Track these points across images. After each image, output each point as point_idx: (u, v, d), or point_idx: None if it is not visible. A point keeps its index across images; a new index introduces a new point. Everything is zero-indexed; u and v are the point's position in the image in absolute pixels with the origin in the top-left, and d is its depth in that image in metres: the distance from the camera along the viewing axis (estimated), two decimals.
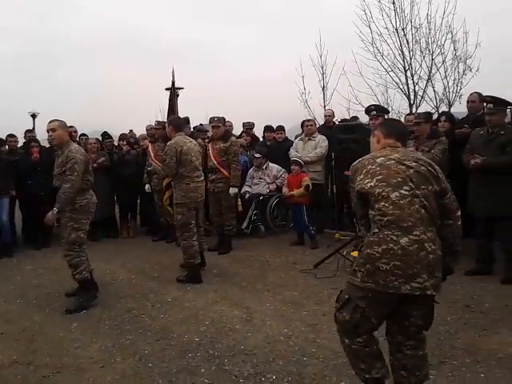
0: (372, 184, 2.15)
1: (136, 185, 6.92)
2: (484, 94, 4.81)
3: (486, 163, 4.24)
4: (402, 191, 2.09)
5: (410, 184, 2.10)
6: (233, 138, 6.09)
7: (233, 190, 5.81)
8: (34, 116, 17.54)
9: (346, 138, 5.01)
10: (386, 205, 2.08)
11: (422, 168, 2.16)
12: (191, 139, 5.06)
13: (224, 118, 6.11)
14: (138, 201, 7.44)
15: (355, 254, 4.57)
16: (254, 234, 6.60)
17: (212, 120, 5.94)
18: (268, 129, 7.42)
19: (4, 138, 6.64)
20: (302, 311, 3.78)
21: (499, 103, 4.29)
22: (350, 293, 2.21)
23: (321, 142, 6.51)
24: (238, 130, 8.07)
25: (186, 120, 6.27)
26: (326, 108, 9.83)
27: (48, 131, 4.16)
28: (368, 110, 5.94)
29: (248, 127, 8.00)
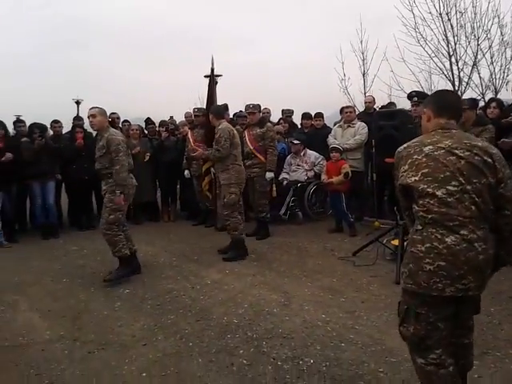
0: (416, 178, 1.95)
1: (176, 170, 7.07)
2: None
3: None
4: (450, 187, 1.89)
5: (460, 179, 1.88)
6: (269, 124, 6.12)
7: (269, 175, 5.85)
8: (78, 103, 18.08)
9: (386, 125, 4.91)
10: (432, 202, 1.90)
11: (476, 158, 1.91)
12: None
13: (259, 105, 6.15)
14: (178, 186, 7.61)
15: (395, 242, 4.53)
16: (291, 221, 6.61)
17: (247, 107, 6.00)
18: (305, 116, 7.36)
19: (49, 124, 6.90)
20: (340, 298, 3.78)
21: None
22: (407, 301, 2.03)
23: (360, 129, 6.42)
24: (276, 116, 8.04)
25: (225, 107, 6.33)
26: (367, 94, 9.63)
27: (89, 117, 4.40)
28: (410, 96, 5.79)
29: (287, 114, 7.96)
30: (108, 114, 7.41)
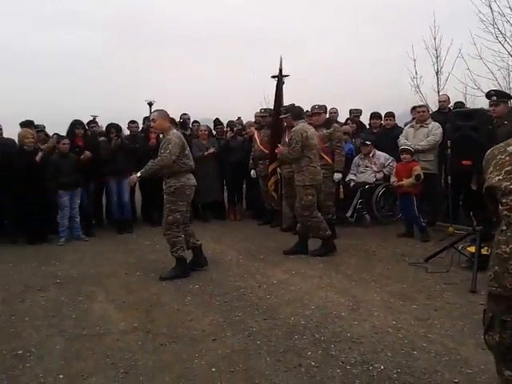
0: (500, 177, 1.85)
1: (242, 170, 7.19)
2: None
3: None
4: None
5: None
6: (335, 125, 6.05)
7: (337, 176, 5.79)
8: (150, 104, 18.81)
9: (464, 125, 4.67)
10: None
11: None
12: (311, 126, 5.32)
13: (325, 106, 6.13)
14: (244, 186, 7.73)
15: (472, 249, 4.30)
16: (358, 223, 6.48)
17: (313, 108, 5.98)
18: (375, 115, 7.19)
19: (125, 124, 7.27)
20: (412, 305, 3.64)
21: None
22: (492, 307, 1.90)
23: (434, 130, 6.14)
24: (344, 116, 7.92)
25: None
26: (440, 93, 9.22)
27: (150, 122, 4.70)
28: (488, 95, 5.46)
29: (355, 114, 7.81)
30: (180, 115, 7.78)
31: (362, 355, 2.85)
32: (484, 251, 4.27)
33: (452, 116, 5.10)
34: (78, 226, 6.27)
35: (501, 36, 8.47)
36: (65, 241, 6.07)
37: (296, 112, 5.31)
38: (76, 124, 6.57)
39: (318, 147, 5.23)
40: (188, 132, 7.73)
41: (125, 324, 3.47)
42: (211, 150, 7.13)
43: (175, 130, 4.73)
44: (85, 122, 7.02)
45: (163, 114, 4.67)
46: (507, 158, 1.86)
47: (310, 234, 5.20)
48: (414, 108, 6.86)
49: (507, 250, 1.79)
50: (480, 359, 2.71)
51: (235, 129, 7.74)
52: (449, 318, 3.34)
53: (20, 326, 3.48)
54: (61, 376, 2.74)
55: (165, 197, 4.56)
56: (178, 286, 4.27)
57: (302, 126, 5.14)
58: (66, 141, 6.19)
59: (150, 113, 17.73)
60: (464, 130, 4.71)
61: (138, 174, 4.62)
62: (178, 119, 7.69)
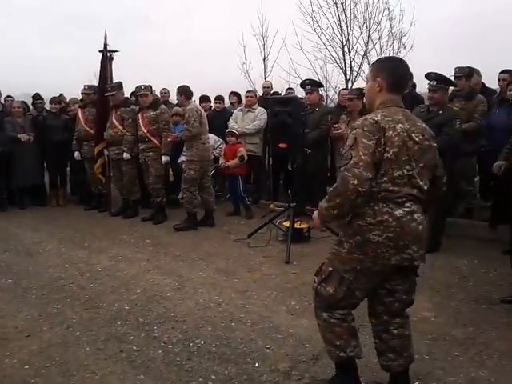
0: (388, 156, 1.97)
1: (65, 151, 6.66)
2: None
3: None
4: (405, 171, 1.99)
5: (413, 164, 2.00)
6: (163, 106, 5.99)
7: (165, 158, 5.77)
8: None
9: (281, 111, 5.06)
10: (387, 180, 1.98)
11: (426, 143, 2.05)
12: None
13: (151, 86, 6.05)
14: (68, 168, 7.15)
15: (287, 224, 4.73)
16: None
17: (139, 88, 5.82)
18: (204, 99, 7.31)
19: None
20: (234, 279, 3.87)
21: (442, 81, 4.25)
22: (335, 265, 2.12)
23: (260, 115, 6.52)
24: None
25: (120, 85, 6.04)
26: (266, 79, 9.81)
27: None
28: (303, 84, 6.02)
29: None
30: None
31: (184, 333, 2.94)
32: (297, 225, 4.76)
33: (271, 102, 5.47)
34: None
35: (318, 28, 9.34)
36: None
37: (187, 92, 5.49)
38: None
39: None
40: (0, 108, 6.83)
41: None
42: (26, 137, 6.40)
43: None
44: None
45: None
46: (396, 138, 1.99)
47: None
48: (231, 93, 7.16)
49: (373, 221, 2.01)
50: (289, 324, 3.04)
51: (58, 106, 7.05)
52: (265, 289, 3.64)
53: None
54: None
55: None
56: None
57: (195, 104, 5.62)
58: None
59: None
60: (281, 115, 5.09)
61: None
62: None
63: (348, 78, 9.36)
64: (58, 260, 4.40)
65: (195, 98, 7.65)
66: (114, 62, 6.32)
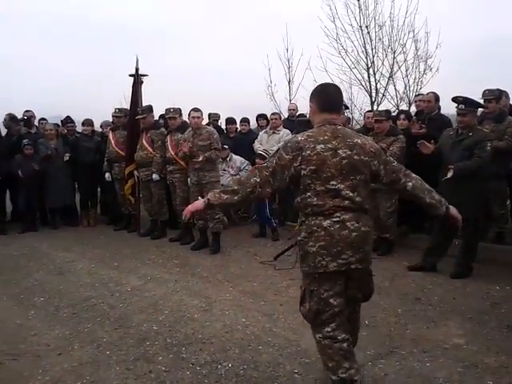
0: (305, 172, 2.19)
1: (96, 173, 6.84)
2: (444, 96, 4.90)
3: (455, 171, 4.09)
4: (329, 186, 2.17)
5: (339, 178, 2.18)
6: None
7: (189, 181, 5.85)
8: None
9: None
10: (311, 195, 2.19)
11: (356, 157, 2.21)
12: None
13: (180, 109, 6.14)
14: (99, 189, 7.35)
15: None
16: None
17: (168, 111, 5.96)
18: (230, 121, 7.45)
19: None
20: (261, 301, 3.87)
21: (470, 104, 4.22)
22: (304, 283, 2.35)
23: (284, 136, 6.59)
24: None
25: (150, 108, 6.22)
26: (291, 101, 9.93)
27: None
28: None
29: (214, 118, 7.99)
30: (23, 113, 7.13)
31: (211, 355, 2.95)
32: None
33: (296, 124, 5.53)
34: None
35: (343, 51, 9.44)
36: None
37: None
38: None
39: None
40: (33, 130, 7.11)
41: None
42: (66, 157, 6.69)
43: None
44: None
45: None
46: (315, 158, 2.20)
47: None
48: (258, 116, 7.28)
49: (306, 235, 2.25)
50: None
51: (90, 128, 7.30)
52: (292, 312, 3.60)
53: None
54: None
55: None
56: (21, 300, 3.96)
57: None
58: None
59: None
60: None
61: None
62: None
63: (373, 100, 9.39)
64: (89, 279, 4.51)
65: (221, 121, 7.88)
66: (143, 85, 6.53)
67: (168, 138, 5.98)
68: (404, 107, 8.91)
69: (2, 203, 6.73)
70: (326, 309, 2.25)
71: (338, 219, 2.17)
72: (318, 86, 2.47)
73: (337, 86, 2.46)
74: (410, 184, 2.35)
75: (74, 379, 2.70)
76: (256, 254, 5.36)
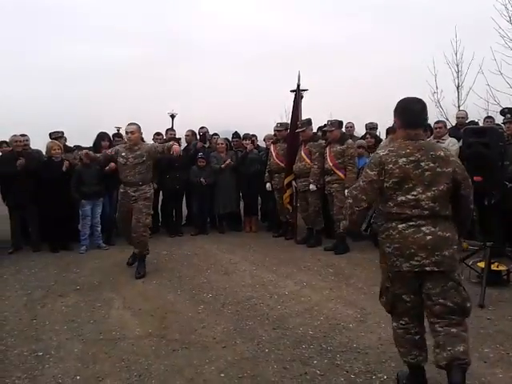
0: (387, 185, 2.40)
1: (258, 183, 7.31)
2: None
3: None
4: (409, 196, 2.35)
5: (419, 189, 2.34)
6: (349, 141, 6.16)
7: (347, 192, 5.85)
8: (172, 116, 19.19)
9: (476, 142, 4.70)
10: (392, 205, 2.40)
11: (438, 170, 2.35)
12: None
13: (338, 122, 6.20)
14: (260, 198, 7.85)
15: (481, 264, 4.32)
16: (372, 237, 6.51)
17: (328, 124, 6.08)
18: (391, 130, 7.23)
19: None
20: None
21: None
22: (382, 278, 2.59)
23: (450, 146, 6.16)
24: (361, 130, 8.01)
25: (309, 121, 6.45)
26: (460, 108, 9.22)
27: (127, 133, 5.03)
28: (503, 113, 5.50)
29: (371, 128, 7.88)
30: (198, 129, 8.00)
31: (366, 365, 2.94)
32: (494, 267, 4.30)
33: (465, 133, 5.12)
34: (98, 234, 6.48)
35: None
36: (86, 249, 6.26)
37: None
38: (102, 136, 6.77)
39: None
40: (207, 145, 7.92)
41: (140, 330, 3.62)
42: (228, 161, 7.28)
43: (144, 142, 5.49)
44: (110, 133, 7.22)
45: (139, 127, 5.11)
46: (397, 171, 2.40)
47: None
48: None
49: (383, 236, 2.49)
50: (482, 372, 2.77)
51: (255, 142, 7.89)
52: None
53: (40, 329, 3.66)
54: (78, 377, 2.90)
55: (140, 202, 4.99)
56: (192, 295, 4.42)
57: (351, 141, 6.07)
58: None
59: (172, 125, 18.26)
60: (475, 146, 4.73)
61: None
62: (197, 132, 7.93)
63: None
64: (250, 281, 4.84)
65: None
66: (303, 100, 6.80)
67: (327, 149, 6.12)
68: None
69: (179, 208, 7.63)
70: (400, 304, 2.50)
71: (413, 223, 2.35)
72: (401, 101, 2.52)
73: (421, 102, 2.51)
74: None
75: (236, 372, 2.92)
76: None
